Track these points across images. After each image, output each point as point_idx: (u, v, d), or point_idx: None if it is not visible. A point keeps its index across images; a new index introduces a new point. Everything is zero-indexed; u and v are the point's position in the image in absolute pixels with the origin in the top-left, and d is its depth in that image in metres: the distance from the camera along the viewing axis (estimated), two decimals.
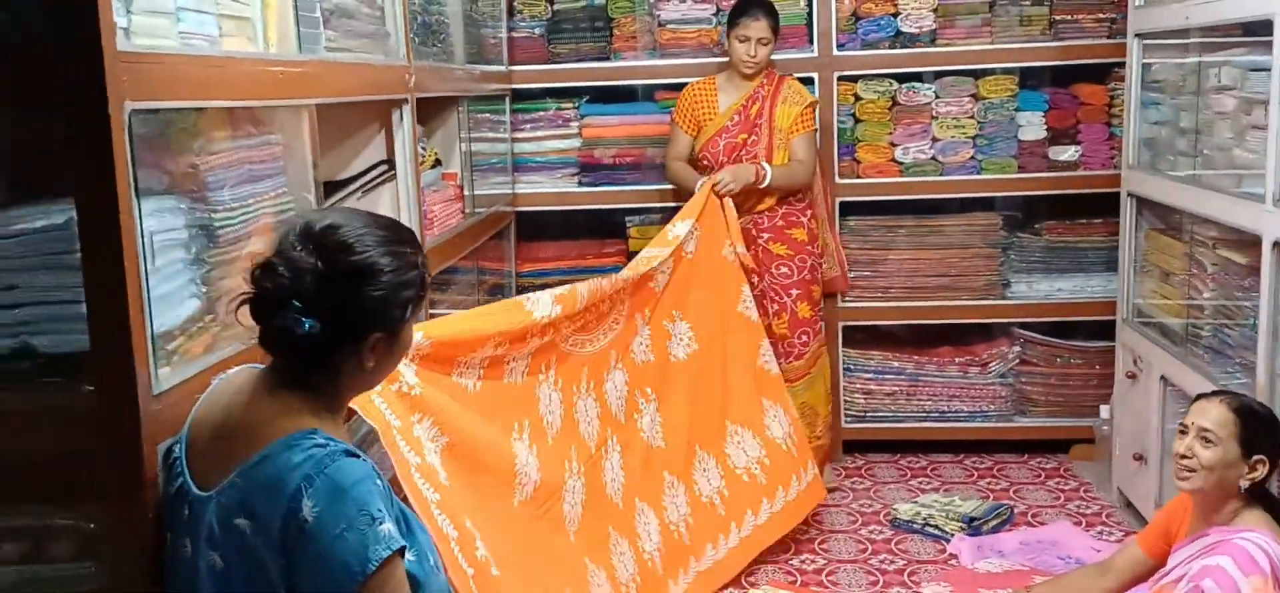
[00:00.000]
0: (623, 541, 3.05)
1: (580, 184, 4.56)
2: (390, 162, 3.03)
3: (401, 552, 1.57)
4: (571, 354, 3.03)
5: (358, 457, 1.60)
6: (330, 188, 3.01)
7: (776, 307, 4.02)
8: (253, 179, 2.13)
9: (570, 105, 4.54)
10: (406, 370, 2.35)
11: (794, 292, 4.03)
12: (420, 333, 2.37)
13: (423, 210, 3.11)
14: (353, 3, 2.73)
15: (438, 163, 3.53)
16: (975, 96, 4.42)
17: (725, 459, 3.57)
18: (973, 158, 4.44)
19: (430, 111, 3.64)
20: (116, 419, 1.57)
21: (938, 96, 4.43)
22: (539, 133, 4.55)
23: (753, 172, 3.88)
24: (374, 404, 2.23)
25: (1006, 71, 4.40)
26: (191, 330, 1.86)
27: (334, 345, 1.60)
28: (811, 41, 4.39)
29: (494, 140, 4.39)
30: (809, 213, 4.09)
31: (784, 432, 3.74)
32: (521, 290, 4.55)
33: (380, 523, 1.54)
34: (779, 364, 3.89)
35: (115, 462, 1.59)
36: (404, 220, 3.00)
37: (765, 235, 4.02)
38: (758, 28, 3.93)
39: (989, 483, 4.31)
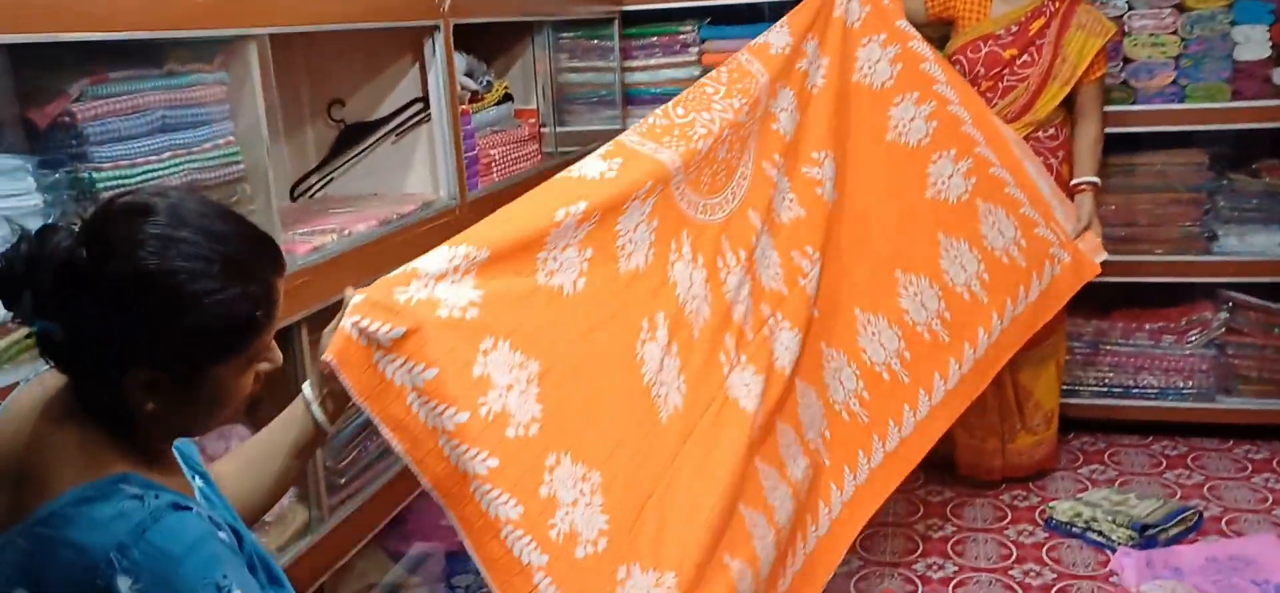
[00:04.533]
0: (788, 430, 2.41)
1: None
2: (425, 99, 2.63)
3: None
4: (707, 224, 2.27)
5: (189, 510, 1.21)
6: (358, 131, 2.66)
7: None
8: (168, 127, 1.76)
9: (688, 28, 4.01)
10: (456, 289, 1.68)
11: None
12: (467, 245, 1.72)
13: (468, 154, 2.70)
14: None
15: (507, 97, 3.10)
16: (1179, 7, 3.61)
17: (902, 316, 2.72)
18: (1174, 82, 3.64)
19: (499, 40, 3.23)
20: None
21: (1131, 8, 3.64)
22: (653, 61, 4.05)
23: (1089, 205, 3.20)
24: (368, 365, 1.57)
25: None
26: None
27: (85, 365, 1.19)
28: None
29: (600, 69, 3.93)
30: (1061, 154, 3.36)
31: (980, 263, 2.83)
32: None
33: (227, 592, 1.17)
34: None
35: None
36: (440, 165, 2.61)
37: None
38: None
39: (1178, 475, 3.57)
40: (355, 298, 1.58)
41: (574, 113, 3.79)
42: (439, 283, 1.66)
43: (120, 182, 1.64)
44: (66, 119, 1.60)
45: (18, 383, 1.33)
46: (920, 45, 2.87)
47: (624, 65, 4.02)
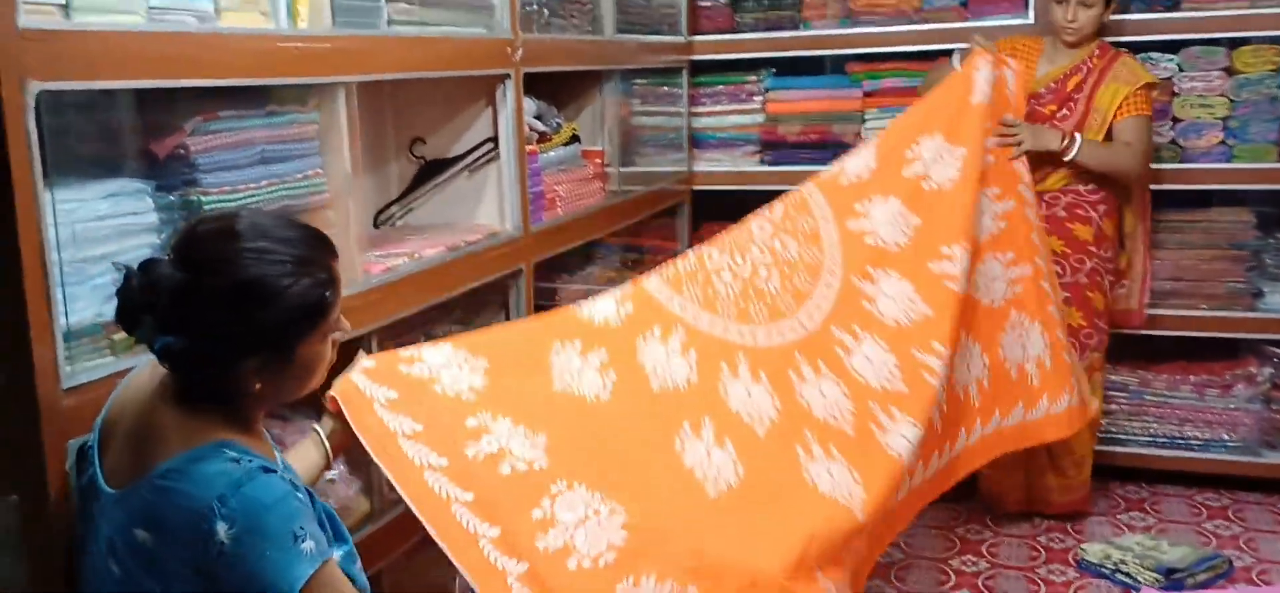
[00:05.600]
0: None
1: (762, 162, 4.26)
2: (496, 139, 2.90)
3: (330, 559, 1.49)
4: (768, 348, 2.47)
5: (274, 472, 1.50)
6: (436, 166, 2.94)
7: None
8: (267, 160, 2.05)
9: (754, 78, 4.24)
10: (457, 376, 2.02)
11: (1063, 295, 3.35)
12: (467, 352, 2.05)
13: (534, 190, 2.96)
14: None
15: (575, 139, 3.37)
16: (1228, 70, 3.72)
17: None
18: (1222, 142, 3.75)
19: (572, 86, 3.49)
20: (20, 411, 1.53)
21: (1181, 69, 3.76)
22: (719, 107, 4.29)
23: (1057, 138, 3.32)
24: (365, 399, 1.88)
25: (1269, 40, 3.67)
26: None
27: (206, 365, 1.47)
28: (1027, 5, 3.85)
29: (669, 114, 4.19)
30: (1102, 209, 3.49)
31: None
32: None
33: (302, 541, 1.45)
34: None
35: (19, 454, 1.54)
36: (506, 200, 2.88)
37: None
38: None
39: (1217, 526, 3.65)
40: (366, 362, 1.92)
41: (643, 154, 4.03)
42: (442, 370, 2.01)
43: (224, 204, 1.92)
44: (181, 151, 1.89)
45: (132, 368, 1.62)
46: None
47: (691, 111, 4.27)
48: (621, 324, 2.34)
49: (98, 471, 1.54)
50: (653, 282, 2.46)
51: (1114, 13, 3.56)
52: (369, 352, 2.29)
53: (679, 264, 2.53)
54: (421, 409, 1.94)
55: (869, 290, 2.67)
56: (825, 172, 2.88)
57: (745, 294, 2.55)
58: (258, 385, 1.50)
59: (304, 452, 1.86)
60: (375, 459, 1.86)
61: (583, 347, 2.24)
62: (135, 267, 1.46)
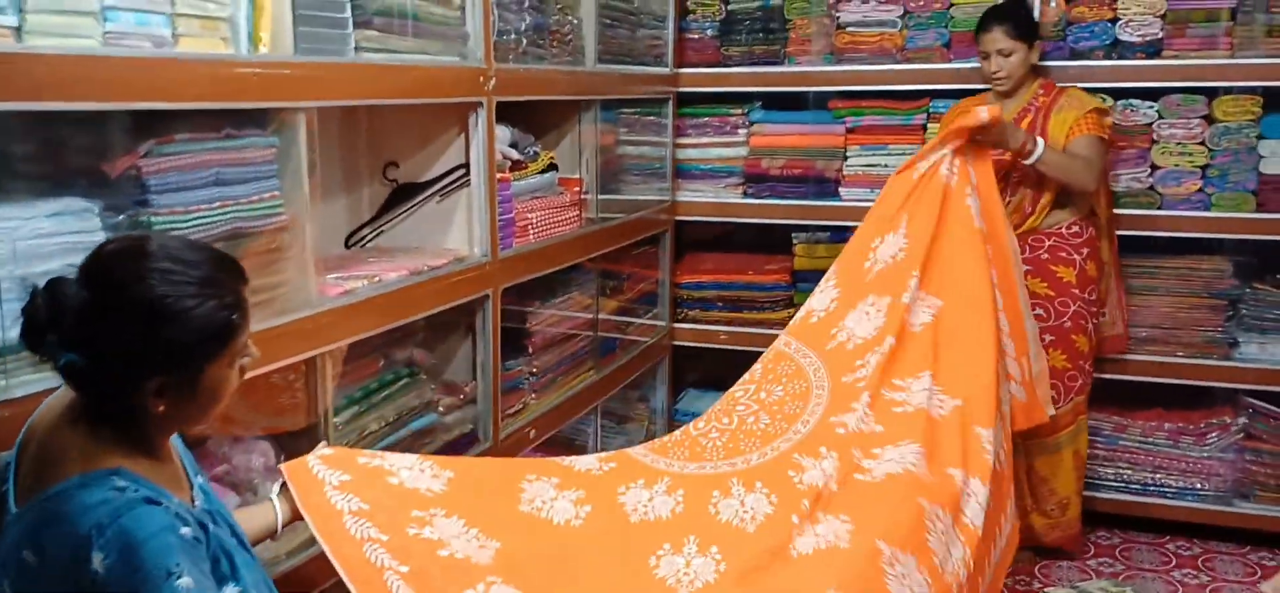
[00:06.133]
0: None
1: (745, 195, 4.29)
2: (468, 165, 2.93)
3: None
4: (761, 465, 2.46)
5: (159, 505, 1.48)
6: (408, 190, 2.98)
7: None
8: (222, 182, 2.09)
9: (738, 111, 4.28)
10: (417, 476, 2.08)
11: (1047, 338, 3.45)
12: (433, 465, 2.12)
13: (504, 217, 3.00)
14: (416, 4, 2.65)
15: (552, 167, 3.40)
16: (1207, 119, 3.74)
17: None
18: (1200, 190, 3.76)
19: (552, 114, 3.53)
20: None
21: (1160, 116, 3.79)
22: (704, 139, 4.33)
23: (1021, 136, 3.30)
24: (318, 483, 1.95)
25: (1248, 91, 3.69)
26: None
27: (108, 384, 1.49)
28: None
29: (653, 143, 4.23)
30: (1085, 250, 3.53)
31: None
32: (677, 302, 4.38)
33: (177, 578, 1.42)
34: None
35: None
36: (475, 225, 2.91)
37: (1024, 267, 3.32)
38: (990, 39, 3.49)
39: (1186, 575, 3.65)
40: (324, 450, 2.01)
41: (627, 182, 4.07)
42: (403, 469, 2.07)
43: (174, 225, 1.96)
44: (134, 172, 1.92)
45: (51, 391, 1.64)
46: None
47: (676, 141, 4.31)
48: (602, 474, 2.36)
49: (11, 488, 1.55)
50: (636, 450, 2.50)
51: (1042, 58, 3.65)
52: (322, 375, 2.33)
53: (662, 438, 2.59)
54: (371, 492, 1.99)
55: (860, 373, 2.72)
56: (794, 319, 2.98)
57: (735, 439, 2.57)
58: (161, 407, 1.50)
59: (257, 513, 1.93)
60: (317, 537, 1.89)
61: (560, 483, 2.27)
62: (41, 285, 1.48)
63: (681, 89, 4.27)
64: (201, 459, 2.17)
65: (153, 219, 1.94)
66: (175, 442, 1.64)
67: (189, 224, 2.00)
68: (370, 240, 2.99)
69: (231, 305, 1.53)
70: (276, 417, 2.35)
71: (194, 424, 1.63)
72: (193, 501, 1.61)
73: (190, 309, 1.47)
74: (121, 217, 1.90)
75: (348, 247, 2.97)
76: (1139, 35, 3.76)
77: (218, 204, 2.08)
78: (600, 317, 3.77)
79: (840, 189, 4.13)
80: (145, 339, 1.45)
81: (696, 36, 4.28)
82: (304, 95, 2.22)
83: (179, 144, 2.00)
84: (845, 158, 4.14)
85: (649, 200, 4.17)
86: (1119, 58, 3.78)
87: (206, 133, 2.07)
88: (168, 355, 1.47)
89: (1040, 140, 3.34)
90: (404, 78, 2.58)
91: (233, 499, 2.14)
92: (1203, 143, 3.74)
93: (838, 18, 4.10)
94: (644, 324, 4.22)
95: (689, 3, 4.28)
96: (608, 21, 3.68)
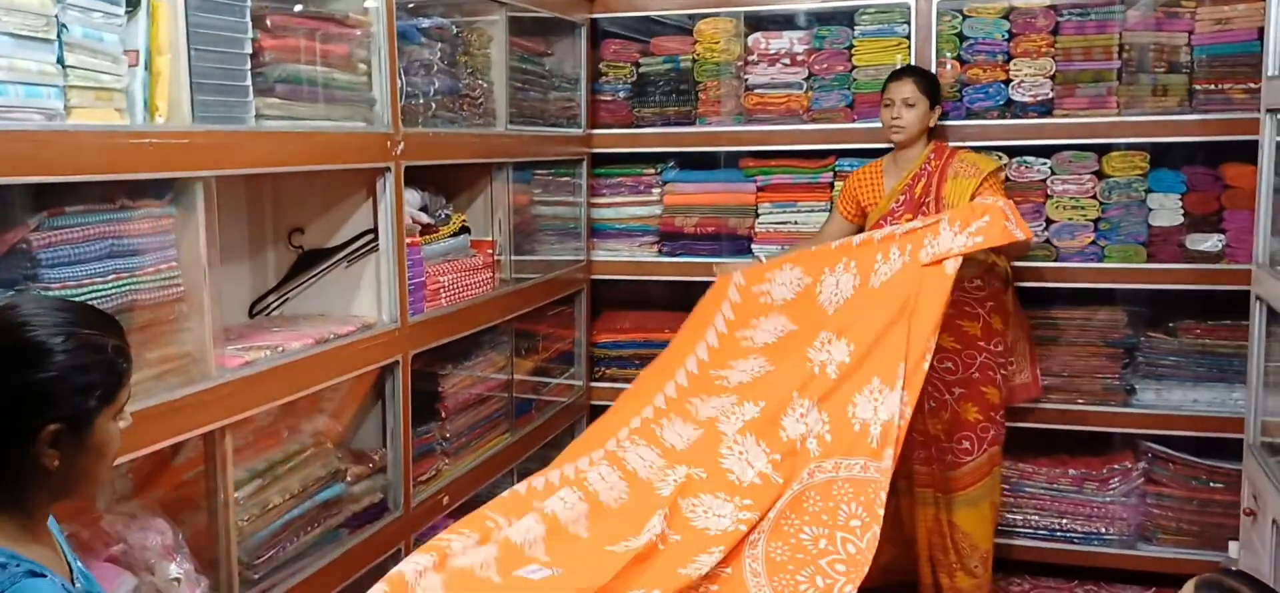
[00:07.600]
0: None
1: (660, 253, 4.34)
2: (376, 231, 2.93)
3: None
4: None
5: (44, 577, 1.46)
6: (314, 256, 2.96)
7: (934, 403, 3.58)
8: (115, 255, 2.07)
9: (652, 170, 4.34)
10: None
11: (957, 391, 3.55)
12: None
13: (414, 281, 3.00)
14: (321, 71, 2.66)
15: (464, 230, 3.41)
16: (1098, 174, 3.89)
17: None
18: (1093, 243, 3.90)
19: (464, 177, 3.55)
20: None
21: (1053, 172, 3.93)
22: (619, 198, 4.38)
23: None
24: None
25: (1135, 147, 3.84)
26: None
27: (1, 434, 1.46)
28: None
29: (567, 204, 4.26)
30: (989, 304, 3.59)
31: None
32: (594, 361, 4.40)
33: None
34: (931, 470, 3.60)
35: None
36: (384, 290, 2.91)
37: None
38: (898, 87, 3.58)
39: None
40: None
41: (542, 243, 4.09)
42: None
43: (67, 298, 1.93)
44: (23, 245, 1.90)
45: None
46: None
47: (591, 201, 4.35)
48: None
49: None
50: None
51: (942, 119, 3.75)
52: (217, 450, 2.29)
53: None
54: None
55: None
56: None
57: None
58: (56, 461, 1.47)
59: None
60: None
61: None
62: None
63: (595, 150, 4.31)
64: (96, 539, 2.13)
65: (42, 292, 1.91)
66: (52, 524, 1.60)
67: (81, 296, 1.97)
68: (275, 308, 2.97)
69: (105, 347, 1.51)
70: (173, 492, 2.31)
71: (84, 487, 1.59)
72: (73, 580, 1.57)
73: (62, 347, 1.45)
74: (10, 292, 1.86)
75: (252, 316, 2.95)
76: (1030, 95, 3.91)
77: (112, 276, 2.06)
78: (516, 377, 3.77)
79: (753, 246, 4.20)
80: (30, 383, 1.43)
81: (609, 98, 4.34)
82: (202, 165, 2.21)
83: (71, 216, 1.98)
84: (757, 215, 4.22)
85: (564, 260, 4.19)
86: (1012, 117, 3.92)
87: (101, 204, 2.05)
88: (55, 398, 1.45)
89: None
90: (308, 144, 2.58)
91: (129, 580, 2.08)
92: (1094, 197, 3.89)
93: (746, 80, 4.19)
94: (561, 384, 4.23)
95: (601, 65, 4.34)
96: (519, 84, 3.72)
